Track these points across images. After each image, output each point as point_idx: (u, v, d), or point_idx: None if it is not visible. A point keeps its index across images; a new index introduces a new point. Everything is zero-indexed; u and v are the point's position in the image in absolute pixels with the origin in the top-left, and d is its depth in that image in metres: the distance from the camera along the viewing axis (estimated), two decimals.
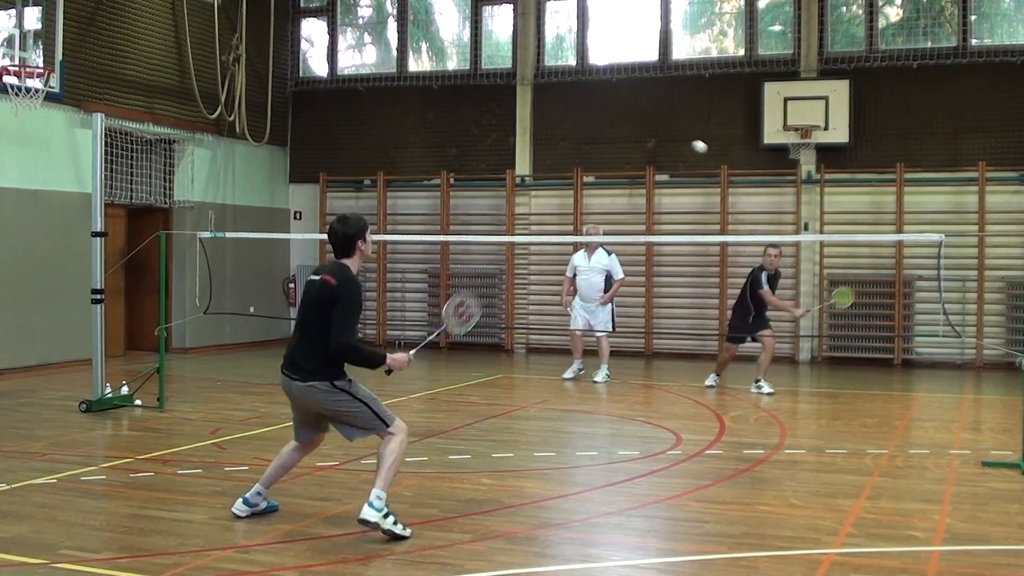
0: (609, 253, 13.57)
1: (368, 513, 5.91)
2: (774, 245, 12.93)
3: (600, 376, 13.50)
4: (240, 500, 6.47)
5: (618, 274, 13.57)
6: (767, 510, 6.84)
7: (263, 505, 6.53)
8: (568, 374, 13.70)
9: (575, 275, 13.62)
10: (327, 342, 6.05)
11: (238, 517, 6.41)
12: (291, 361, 6.28)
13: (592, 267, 13.46)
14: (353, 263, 6.29)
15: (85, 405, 10.54)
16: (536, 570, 5.64)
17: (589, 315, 13.54)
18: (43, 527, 6.25)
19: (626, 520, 6.64)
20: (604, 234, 13.89)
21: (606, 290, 13.47)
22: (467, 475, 7.77)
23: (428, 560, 5.61)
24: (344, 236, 6.25)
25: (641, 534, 6.36)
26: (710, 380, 12.95)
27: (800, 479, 7.88)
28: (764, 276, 12.58)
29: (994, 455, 8.57)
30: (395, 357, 6.21)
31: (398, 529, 5.96)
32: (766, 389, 12.35)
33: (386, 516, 5.94)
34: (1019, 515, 6.77)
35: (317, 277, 6.29)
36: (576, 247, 14.25)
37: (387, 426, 6.14)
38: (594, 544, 6.17)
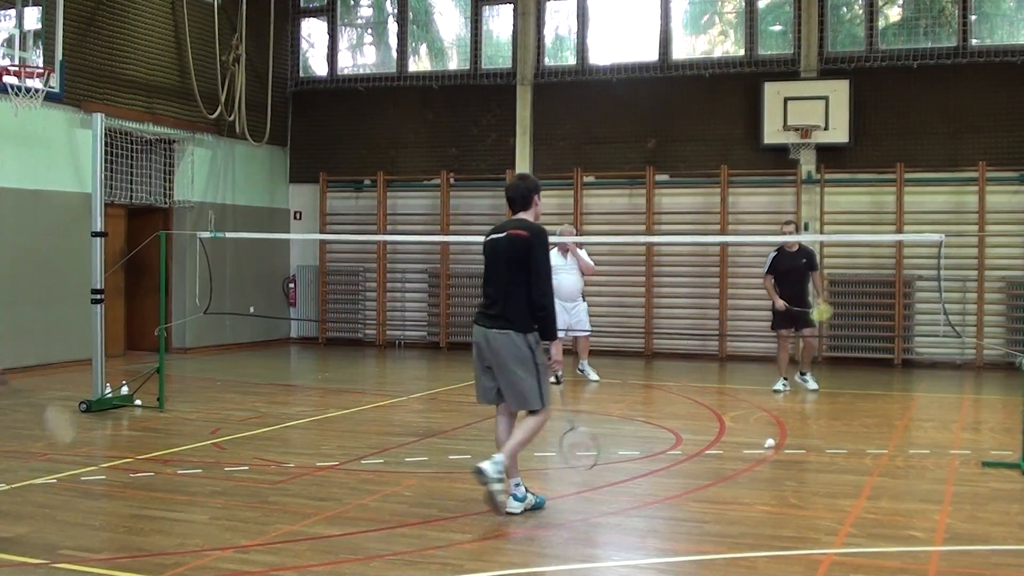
0: (580, 246, 13.54)
1: (513, 506, 6.43)
2: (788, 222, 12.85)
3: (594, 374, 13.54)
4: (489, 462, 6.33)
5: (590, 267, 13.49)
6: (767, 510, 6.84)
7: (525, 494, 6.50)
8: (551, 379, 13.47)
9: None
10: (524, 294, 6.39)
11: (482, 474, 6.27)
12: (489, 313, 6.51)
13: (570, 264, 13.27)
14: (529, 216, 6.65)
15: (85, 405, 10.54)
16: (536, 570, 5.64)
17: (569, 315, 13.32)
18: (43, 527, 6.25)
19: (626, 520, 6.64)
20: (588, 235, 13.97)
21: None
22: (467, 475, 7.74)
23: (428, 560, 5.61)
24: (525, 189, 6.66)
25: (641, 534, 6.36)
26: (778, 384, 12.57)
27: (800, 479, 7.89)
28: (770, 256, 12.47)
29: (994, 455, 8.57)
30: (559, 350, 6.72)
31: (535, 500, 6.54)
32: (811, 384, 12.51)
33: (524, 499, 6.46)
34: (1019, 515, 6.77)
35: (502, 234, 6.58)
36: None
37: (541, 405, 6.47)
38: (594, 544, 6.17)
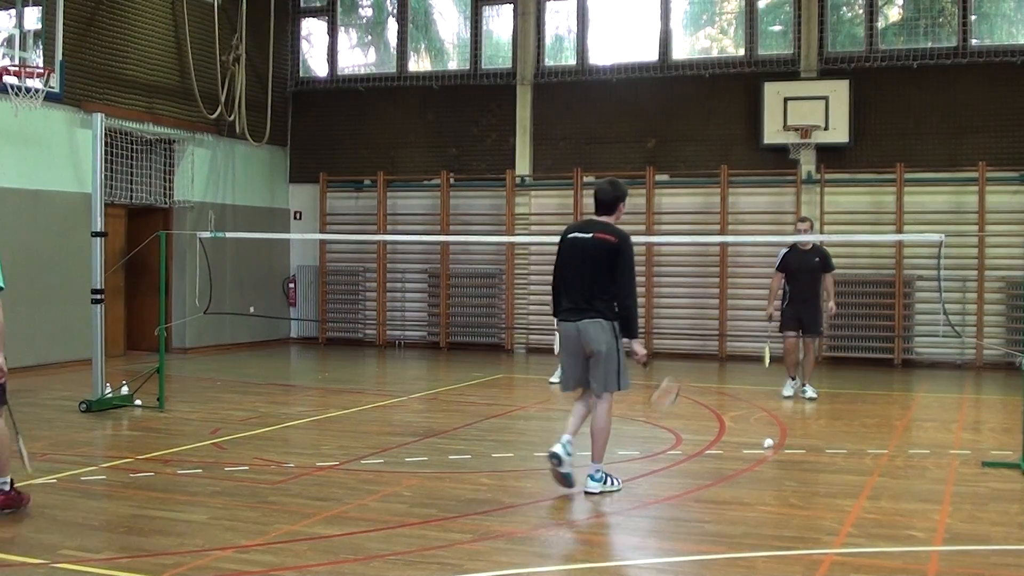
0: None
1: (592, 487, 7.04)
2: (803, 219, 12.19)
3: None
4: (559, 446, 6.94)
5: None
6: (767, 510, 6.84)
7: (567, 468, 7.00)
8: (555, 378, 13.47)
9: None
10: (608, 290, 6.98)
11: (558, 458, 6.90)
12: (574, 307, 7.06)
13: None
14: (611, 220, 7.18)
15: (85, 405, 10.54)
16: (536, 570, 5.63)
17: None
18: (43, 527, 6.24)
19: (626, 520, 6.64)
20: None
21: None
22: (467, 475, 7.77)
23: (428, 560, 5.61)
24: (614, 197, 7.20)
25: (641, 534, 6.36)
26: (787, 389, 12.05)
27: (800, 479, 7.88)
28: (780, 253, 11.99)
29: (994, 455, 8.57)
30: (641, 347, 7.23)
31: (615, 487, 7.13)
32: (809, 393, 11.83)
33: (604, 482, 7.07)
34: (1019, 515, 6.77)
35: (588, 235, 7.09)
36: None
37: (618, 388, 7.09)
38: (594, 544, 6.17)
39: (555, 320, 7.41)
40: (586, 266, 7.02)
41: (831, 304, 12.09)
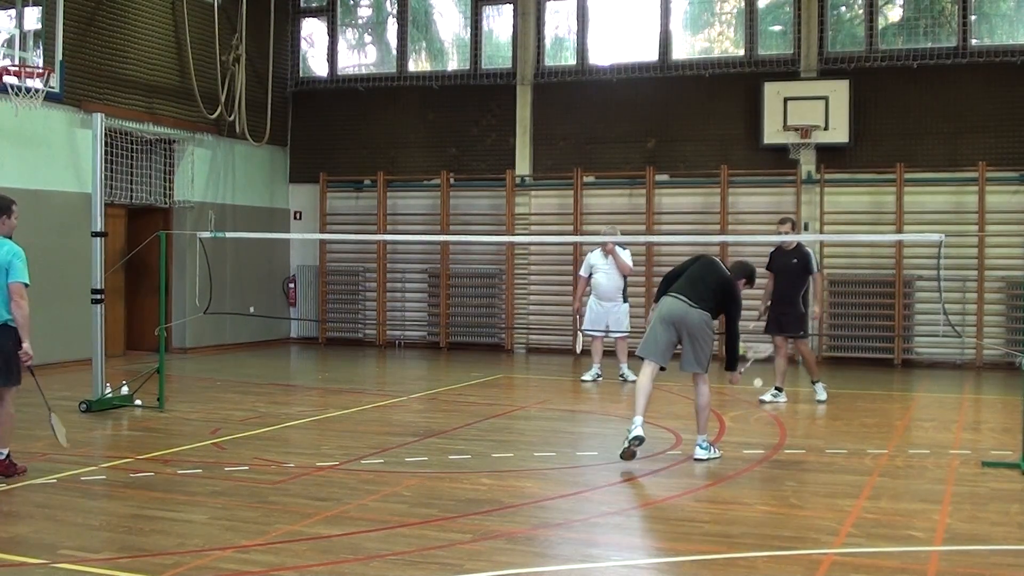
0: (624, 248, 13.52)
1: (700, 453, 8.34)
2: (783, 221, 11.88)
3: (630, 375, 13.16)
4: (639, 428, 8.17)
5: (628, 267, 13.48)
6: (767, 510, 6.84)
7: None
8: (588, 376, 13.50)
9: (591, 275, 13.48)
10: (715, 304, 8.47)
11: (641, 440, 8.12)
12: (687, 294, 8.40)
13: (609, 264, 13.32)
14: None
15: (85, 405, 10.53)
16: (536, 570, 5.64)
17: (607, 314, 13.39)
18: (43, 527, 6.25)
19: (626, 520, 6.64)
20: (620, 234, 13.77)
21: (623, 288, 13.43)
22: (467, 475, 7.77)
23: (428, 560, 5.61)
24: (743, 272, 8.82)
25: (641, 534, 6.36)
26: (767, 395, 11.63)
27: (800, 479, 7.88)
28: (769, 254, 11.77)
29: (994, 455, 8.57)
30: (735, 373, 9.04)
31: (717, 455, 8.42)
32: (819, 395, 11.67)
33: (709, 450, 8.37)
34: (1019, 515, 6.77)
35: (717, 260, 8.83)
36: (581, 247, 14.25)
37: (705, 370, 8.46)
38: (594, 544, 6.16)
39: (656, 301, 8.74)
40: (710, 281, 8.46)
41: (815, 308, 11.80)
